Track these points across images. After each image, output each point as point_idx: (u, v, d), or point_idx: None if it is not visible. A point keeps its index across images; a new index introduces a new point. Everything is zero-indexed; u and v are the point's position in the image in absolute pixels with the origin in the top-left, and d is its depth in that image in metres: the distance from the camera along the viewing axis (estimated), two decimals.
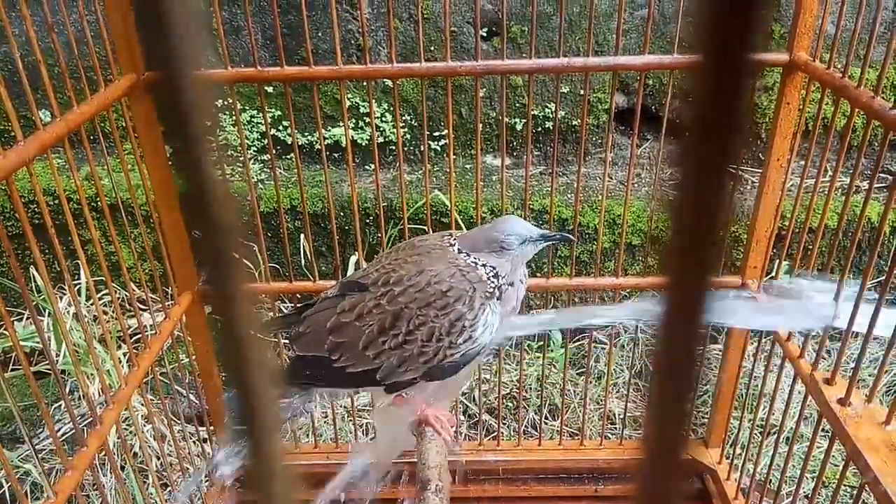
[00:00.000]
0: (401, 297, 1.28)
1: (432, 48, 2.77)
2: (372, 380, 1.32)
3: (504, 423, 2.44)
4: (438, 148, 2.92)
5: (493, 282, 1.31)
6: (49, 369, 1.33)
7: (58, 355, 2.19)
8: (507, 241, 1.31)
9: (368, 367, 1.31)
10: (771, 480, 1.77)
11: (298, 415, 1.86)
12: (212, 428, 2.00)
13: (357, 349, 1.30)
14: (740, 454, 1.88)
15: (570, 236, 1.45)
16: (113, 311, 2.40)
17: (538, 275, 1.88)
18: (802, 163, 1.59)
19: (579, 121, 2.82)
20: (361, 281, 1.35)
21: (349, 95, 2.83)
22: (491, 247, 1.32)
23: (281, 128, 2.85)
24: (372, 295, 1.31)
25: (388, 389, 1.36)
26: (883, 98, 1.29)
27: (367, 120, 2.85)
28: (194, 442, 2.08)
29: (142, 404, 1.96)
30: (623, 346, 2.71)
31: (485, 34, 2.76)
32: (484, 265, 1.32)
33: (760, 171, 1.73)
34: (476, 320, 1.29)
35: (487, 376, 2.50)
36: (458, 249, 1.34)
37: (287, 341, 1.52)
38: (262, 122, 2.83)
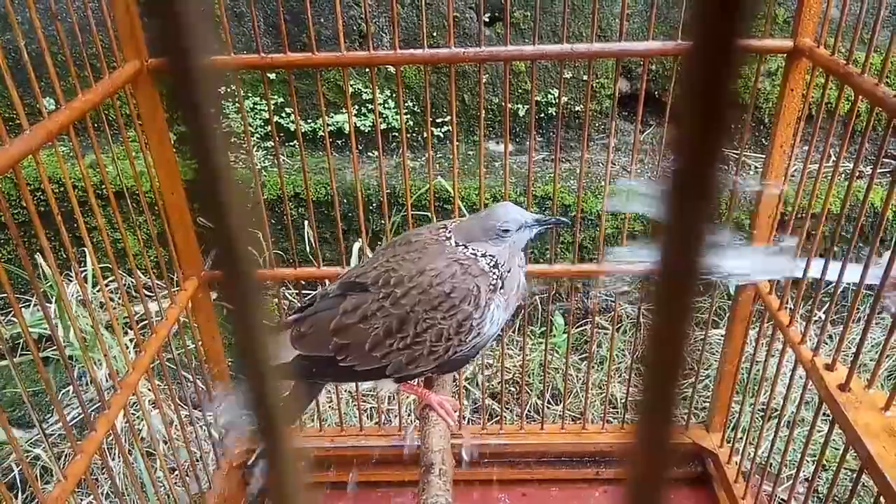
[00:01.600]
0: (403, 299, 1.26)
1: (435, 34, 2.75)
2: (381, 375, 1.32)
3: (507, 408, 2.46)
4: (441, 134, 2.91)
5: (494, 272, 1.30)
6: (57, 355, 1.34)
7: (65, 341, 2.21)
8: (503, 229, 1.30)
9: (376, 365, 1.30)
10: (771, 464, 1.79)
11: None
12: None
13: (363, 350, 1.28)
14: (741, 438, 1.90)
15: (565, 220, 1.44)
16: (119, 298, 2.42)
17: (541, 261, 1.88)
18: (805, 148, 1.59)
19: (582, 106, 2.81)
20: (360, 280, 1.32)
21: (352, 82, 2.82)
22: (488, 235, 1.30)
23: (284, 115, 2.85)
24: (374, 296, 1.28)
25: (396, 381, 1.37)
26: (887, 83, 1.29)
27: (370, 106, 2.84)
28: (201, 426, 2.10)
29: (149, 389, 1.99)
30: (625, 332, 2.72)
31: (487, 19, 2.75)
32: (483, 255, 1.30)
33: (763, 156, 1.73)
34: (483, 318, 1.28)
35: (490, 361, 2.52)
36: (455, 242, 1.32)
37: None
38: (265, 108, 2.82)
